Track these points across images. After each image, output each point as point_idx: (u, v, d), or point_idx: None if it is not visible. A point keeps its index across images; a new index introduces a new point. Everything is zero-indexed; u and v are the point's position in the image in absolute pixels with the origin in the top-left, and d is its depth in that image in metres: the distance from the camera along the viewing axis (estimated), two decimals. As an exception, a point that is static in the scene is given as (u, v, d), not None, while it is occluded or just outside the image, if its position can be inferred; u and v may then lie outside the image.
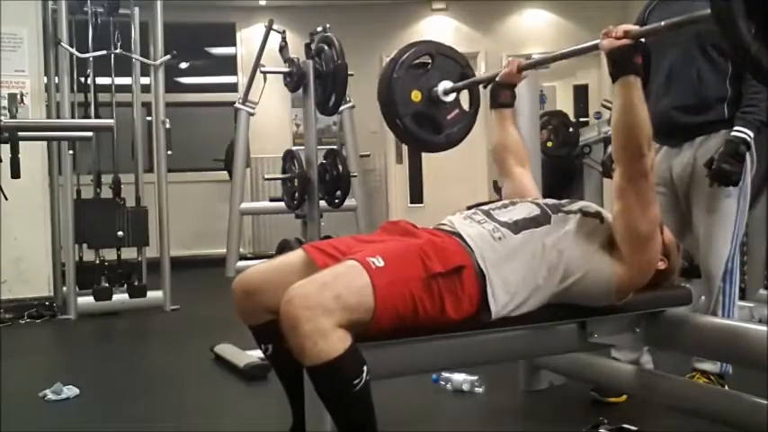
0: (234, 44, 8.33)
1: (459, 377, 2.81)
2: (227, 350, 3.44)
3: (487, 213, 1.91)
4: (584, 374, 2.61)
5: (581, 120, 7.59)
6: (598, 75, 8.36)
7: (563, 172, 5.79)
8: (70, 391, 2.95)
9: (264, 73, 3.69)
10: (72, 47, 4.96)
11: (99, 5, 5.14)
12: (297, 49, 3.51)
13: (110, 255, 5.05)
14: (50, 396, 2.90)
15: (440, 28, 8.52)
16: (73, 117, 4.98)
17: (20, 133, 3.51)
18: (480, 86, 2.52)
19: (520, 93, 2.78)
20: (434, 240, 1.76)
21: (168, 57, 5.21)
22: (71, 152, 4.98)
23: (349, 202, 3.89)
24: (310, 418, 1.76)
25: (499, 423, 2.55)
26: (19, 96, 4.82)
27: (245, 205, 4.96)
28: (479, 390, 2.78)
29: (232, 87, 8.11)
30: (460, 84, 2.47)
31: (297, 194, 3.35)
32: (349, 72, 3.22)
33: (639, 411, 2.50)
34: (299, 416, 1.88)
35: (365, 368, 1.55)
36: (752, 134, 2.39)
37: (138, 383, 3.29)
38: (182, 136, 6.08)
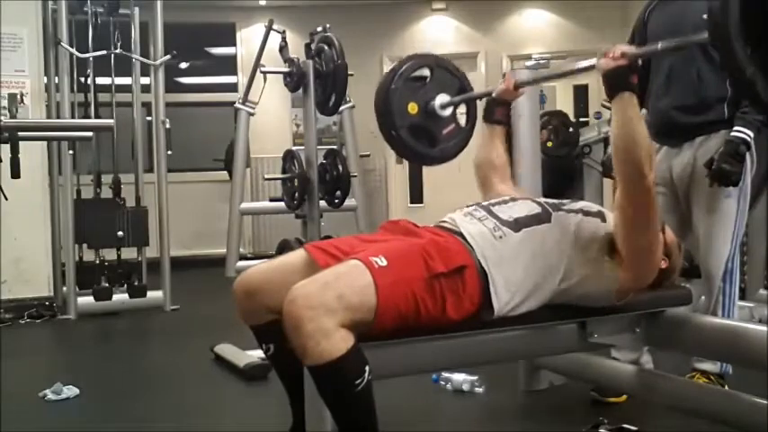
0: (234, 44, 8.34)
1: (459, 377, 2.81)
2: (227, 350, 3.44)
3: (488, 210, 1.91)
4: (585, 374, 2.61)
5: (581, 120, 7.59)
6: (598, 75, 8.35)
7: (563, 172, 5.80)
8: (70, 391, 2.95)
9: (264, 73, 3.69)
10: (72, 47, 4.96)
11: (99, 5, 5.14)
12: (297, 49, 3.51)
13: (110, 255, 5.05)
14: (50, 396, 2.90)
15: (440, 28, 8.53)
16: (73, 117, 4.98)
17: (20, 133, 3.51)
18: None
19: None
20: (437, 240, 1.76)
21: (168, 57, 5.21)
22: (71, 152, 4.98)
23: (349, 202, 3.89)
24: (310, 418, 1.76)
25: (499, 423, 2.55)
26: (19, 96, 4.82)
27: (245, 205, 4.96)
28: (479, 390, 2.78)
29: (232, 87, 8.11)
30: (457, 98, 2.47)
31: (297, 194, 3.35)
32: (349, 72, 3.22)
33: (639, 411, 2.50)
34: (300, 416, 1.88)
35: (367, 368, 1.55)
36: (752, 134, 2.39)
37: (138, 383, 3.29)
38: (182, 136, 6.08)
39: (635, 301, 1.98)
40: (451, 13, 8.49)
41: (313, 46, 3.34)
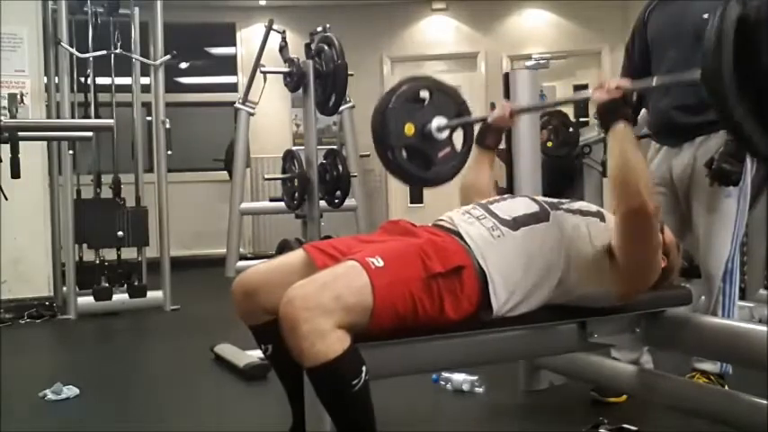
0: (234, 44, 8.34)
1: (459, 377, 2.81)
2: (227, 350, 3.44)
3: (486, 208, 1.91)
4: (585, 374, 2.61)
5: (581, 120, 7.58)
6: (598, 75, 8.37)
7: (563, 172, 5.79)
8: (70, 391, 2.95)
9: (264, 73, 3.69)
10: (72, 47, 4.96)
11: (99, 5, 5.14)
12: (297, 49, 3.51)
13: (110, 255, 5.05)
14: (50, 396, 2.90)
15: (440, 28, 8.53)
16: (73, 117, 4.99)
17: (20, 133, 3.51)
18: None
19: (520, 93, 2.80)
20: (434, 240, 1.76)
21: (168, 57, 5.21)
22: (71, 152, 4.98)
23: (349, 202, 3.90)
24: (310, 418, 1.76)
25: (499, 423, 2.55)
26: (19, 96, 4.82)
27: (245, 205, 4.96)
28: (479, 390, 2.78)
29: (232, 87, 8.11)
30: (454, 122, 2.47)
31: (297, 194, 3.35)
32: (349, 72, 3.22)
33: (639, 411, 2.50)
34: (299, 416, 1.88)
35: (364, 368, 1.55)
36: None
37: (138, 383, 3.29)
38: (182, 136, 6.08)
39: (635, 301, 1.98)
40: (451, 13, 8.49)
41: (313, 46, 3.34)
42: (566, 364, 2.63)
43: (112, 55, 5.13)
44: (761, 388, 2.09)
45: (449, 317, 1.69)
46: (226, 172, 6.13)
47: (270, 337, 1.81)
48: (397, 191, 8.47)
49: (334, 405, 1.58)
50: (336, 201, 3.42)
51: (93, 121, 4.97)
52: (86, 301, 4.85)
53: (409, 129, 2.45)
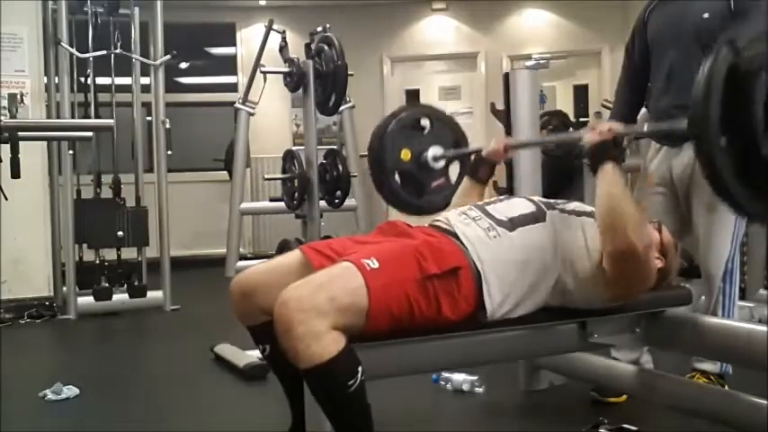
0: (234, 44, 8.33)
1: (459, 377, 2.81)
2: (227, 350, 3.44)
3: (482, 209, 1.91)
4: (585, 374, 2.61)
5: (581, 120, 7.58)
6: (598, 75, 8.37)
7: (563, 172, 5.78)
8: (70, 391, 2.95)
9: (264, 73, 3.69)
10: (72, 47, 4.96)
11: (99, 5, 5.14)
12: (297, 49, 3.51)
13: (110, 255, 5.05)
14: (50, 396, 2.90)
15: (440, 28, 8.53)
16: (73, 117, 4.98)
17: (20, 133, 3.51)
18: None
19: (520, 93, 2.80)
20: (430, 241, 1.77)
21: (168, 57, 5.21)
22: (71, 152, 4.98)
23: (349, 202, 3.90)
24: (310, 418, 1.76)
25: (499, 423, 2.55)
26: (19, 96, 4.82)
27: (245, 205, 4.97)
28: (479, 390, 2.78)
29: (232, 87, 8.10)
30: (449, 152, 2.48)
31: (297, 194, 3.35)
32: (349, 72, 3.22)
33: (639, 411, 2.50)
34: (299, 416, 1.88)
35: (360, 369, 1.55)
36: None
37: (138, 383, 3.29)
38: (182, 136, 6.08)
39: (635, 301, 1.98)
40: (451, 13, 8.49)
41: (313, 46, 3.34)
42: (566, 364, 2.63)
43: (112, 55, 5.12)
44: (761, 388, 2.09)
45: (447, 317, 1.69)
46: (226, 172, 6.13)
47: (267, 337, 1.81)
48: (397, 191, 8.47)
49: (331, 406, 1.58)
50: (336, 201, 3.42)
51: (93, 121, 4.97)
52: (86, 301, 4.85)
53: (405, 154, 2.47)
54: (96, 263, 5.00)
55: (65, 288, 4.96)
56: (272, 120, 7.70)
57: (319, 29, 3.38)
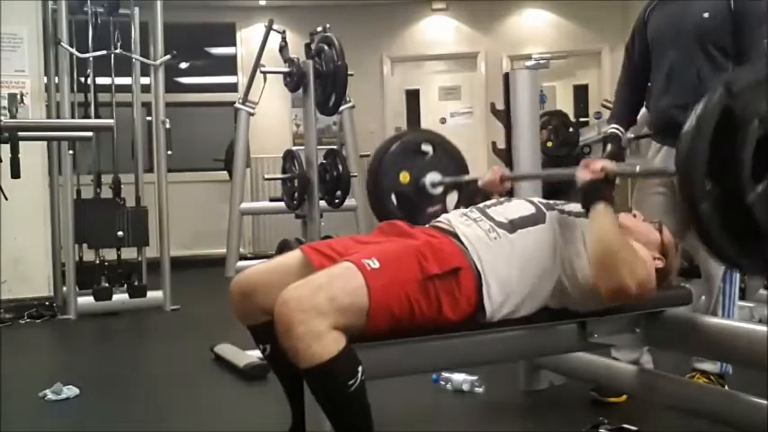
0: (234, 44, 8.34)
1: (459, 377, 2.81)
2: (227, 350, 3.44)
3: (483, 211, 1.91)
4: (585, 374, 2.61)
5: (581, 120, 7.59)
6: (598, 75, 8.37)
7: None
8: (70, 391, 2.95)
9: (264, 73, 3.69)
10: (72, 47, 4.96)
11: (99, 5, 5.14)
12: (297, 49, 3.51)
13: (110, 255, 5.05)
14: (50, 396, 2.90)
15: (440, 28, 8.53)
16: (73, 117, 4.98)
17: (20, 133, 3.51)
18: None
19: (520, 93, 2.80)
20: (431, 241, 1.77)
21: (168, 57, 5.21)
22: (71, 152, 4.97)
23: (349, 202, 3.89)
24: (310, 418, 1.76)
25: (499, 423, 2.55)
26: (19, 96, 4.82)
27: (245, 205, 4.96)
28: (479, 390, 2.77)
29: (232, 87, 8.11)
30: (447, 179, 2.49)
31: (297, 194, 3.35)
32: (349, 72, 3.22)
33: (639, 411, 2.50)
34: (299, 416, 1.88)
35: (360, 369, 1.55)
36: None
37: (138, 383, 3.29)
38: (182, 136, 6.08)
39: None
40: (451, 13, 8.49)
41: (313, 46, 3.34)
42: (566, 364, 2.63)
43: (112, 55, 5.13)
44: (761, 388, 2.09)
45: (448, 318, 1.69)
46: (226, 172, 6.13)
47: (268, 337, 1.81)
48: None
49: (331, 406, 1.58)
50: (336, 201, 3.42)
51: (93, 121, 4.97)
52: (86, 301, 4.85)
53: (404, 177, 2.48)
54: (96, 263, 5.00)
55: (65, 288, 4.96)
56: (272, 120, 7.71)
57: (319, 29, 3.38)
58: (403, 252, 1.70)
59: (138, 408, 2.88)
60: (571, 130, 5.87)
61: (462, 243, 1.79)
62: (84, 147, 5.12)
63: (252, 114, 4.75)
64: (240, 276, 1.89)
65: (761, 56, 2.41)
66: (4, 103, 4.63)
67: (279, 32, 3.67)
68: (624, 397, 2.59)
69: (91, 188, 5.13)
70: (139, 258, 5.11)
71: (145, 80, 5.31)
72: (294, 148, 3.58)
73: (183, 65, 8.36)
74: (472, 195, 2.29)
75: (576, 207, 1.98)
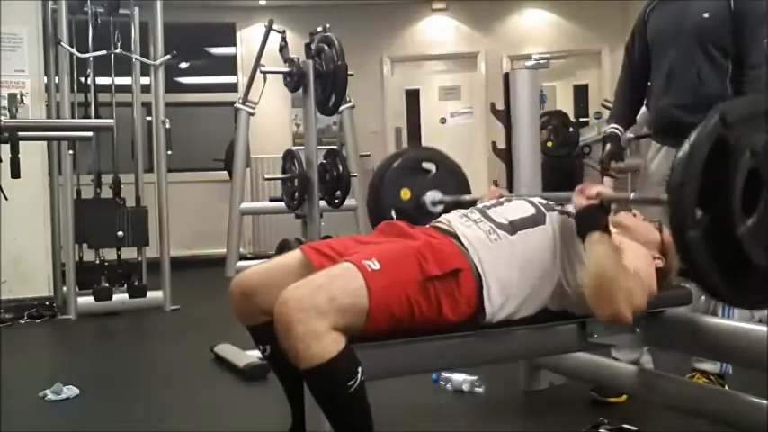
0: (234, 44, 8.33)
1: (459, 377, 2.81)
2: (227, 350, 3.44)
3: (483, 213, 1.91)
4: (585, 374, 2.61)
5: (581, 120, 7.59)
6: (598, 75, 8.37)
7: (563, 172, 5.79)
8: (70, 391, 2.95)
9: (264, 73, 3.68)
10: (72, 47, 4.96)
11: (99, 5, 5.14)
12: (297, 49, 3.50)
13: (110, 255, 5.05)
14: (50, 396, 2.90)
15: (440, 28, 8.53)
16: (73, 117, 4.98)
17: (20, 133, 3.51)
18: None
19: (520, 93, 2.80)
20: (431, 242, 1.76)
21: (168, 57, 5.21)
22: (71, 152, 4.97)
23: (349, 202, 3.89)
24: (310, 418, 1.76)
25: (499, 423, 2.55)
26: (19, 96, 4.82)
27: (245, 205, 4.96)
28: (479, 390, 2.77)
29: (232, 87, 8.10)
30: (447, 198, 2.49)
31: (297, 194, 3.35)
32: (349, 72, 3.22)
33: (639, 411, 2.50)
34: (299, 416, 1.88)
35: (360, 369, 1.55)
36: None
37: (138, 383, 3.29)
38: (182, 136, 6.08)
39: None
40: (451, 13, 8.49)
41: (313, 46, 3.34)
42: (566, 364, 2.63)
43: (112, 55, 5.12)
44: (761, 388, 2.09)
45: (448, 319, 1.69)
46: (226, 172, 6.13)
47: (268, 337, 1.81)
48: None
49: (330, 406, 1.58)
50: (336, 201, 3.42)
51: (93, 121, 4.97)
52: (86, 301, 4.85)
53: (405, 193, 2.49)
54: (96, 263, 5.00)
55: (65, 288, 4.96)
56: (272, 120, 7.70)
57: (319, 29, 3.37)
58: (403, 253, 1.70)
59: (138, 408, 2.88)
60: (571, 130, 5.88)
61: (462, 244, 1.79)
62: (84, 147, 5.12)
63: (252, 114, 4.75)
64: (240, 276, 1.89)
65: (761, 56, 2.41)
66: (4, 103, 4.63)
67: (279, 32, 3.67)
68: (624, 397, 2.60)
69: (91, 188, 5.13)
70: (139, 258, 5.11)
71: (145, 80, 5.30)
72: (294, 148, 3.58)
73: (183, 65, 8.36)
74: None
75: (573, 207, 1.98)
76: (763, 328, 1.94)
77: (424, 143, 7.82)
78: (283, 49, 3.51)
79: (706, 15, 2.44)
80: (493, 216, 1.89)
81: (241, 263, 4.38)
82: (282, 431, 1.96)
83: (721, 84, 2.46)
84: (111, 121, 4.57)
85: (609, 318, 1.77)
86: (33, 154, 4.73)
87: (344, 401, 1.56)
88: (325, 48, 3.24)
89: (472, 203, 2.28)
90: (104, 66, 5.13)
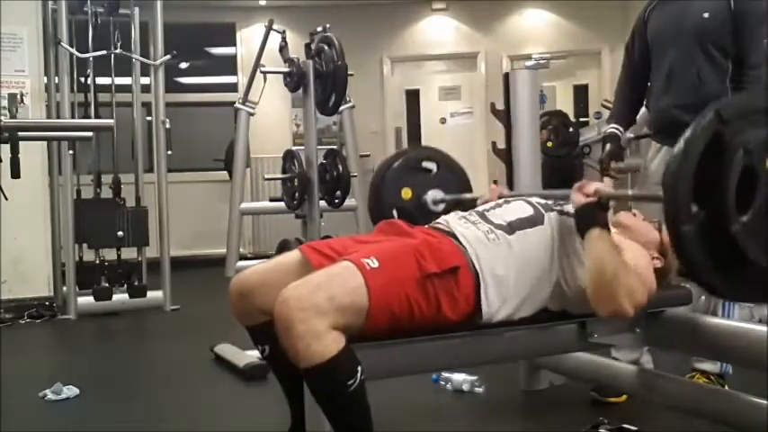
0: (234, 44, 8.34)
1: (459, 377, 2.81)
2: (227, 350, 3.44)
3: (482, 215, 1.91)
4: (585, 374, 2.60)
5: (581, 120, 7.59)
6: (598, 75, 8.37)
7: (563, 172, 5.79)
8: (70, 391, 2.95)
9: (264, 73, 3.69)
10: (72, 47, 4.96)
11: (99, 5, 5.14)
12: (297, 49, 3.51)
13: (110, 255, 5.05)
14: (50, 396, 2.90)
15: (440, 28, 8.53)
16: (73, 117, 4.98)
17: (20, 133, 3.51)
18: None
19: (520, 93, 2.80)
20: (430, 240, 1.77)
21: (168, 57, 5.21)
22: (71, 152, 4.97)
23: (349, 202, 3.89)
24: (310, 418, 1.76)
25: (499, 423, 2.55)
26: (19, 96, 4.82)
27: (245, 205, 4.96)
28: (479, 390, 2.77)
29: (232, 87, 8.10)
30: (448, 197, 2.50)
31: (297, 194, 3.35)
32: (349, 72, 3.22)
33: (639, 411, 2.50)
34: (298, 416, 1.88)
35: (359, 369, 1.55)
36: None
37: (138, 383, 3.29)
38: (182, 136, 6.08)
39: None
40: (451, 13, 8.49)
41: (313, 46, 3.34)
42: (566, 364, 2.63)
43: (112, 55, 5.12)
44: (761, 388, 2.09)
45: (447, 317, 1.69)
46: (226, 172, 6.13)
47: (267, 337, 1.82)
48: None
49: (330, 405, 1.58)
50: (336, 201, 3.42)
51: (93, 121, 4.97)
52: (86, 301, 4.85)
53: (406, 193, 2.50)
54: (96, 263, 5.00)
55: (65, 288, 4.96)
56: (272, 120, 7.70)
57: (319, 29, 3.37)
58: (401, 251, 1.70)
59: (138, 408, 2.88)
60: (571, 130, 5.87)
61: (461, 243, 1.79)
62: (84, 147, 5.12)
63: (252, 114, 4.75)
64: (239, 276, 1.89)
65: (761, 56, 2.41)
66: (4, 103, 4.63)
67: (279, 32, 3.67)
68: (624, 397, 2.59)
69: (91, 188, 5.13)
70: (139, 258, 5.11)
71: (145, 80, 5.30)
72: (294, 148, 3.58)
73: (183, 65, 8.36)
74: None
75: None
76: (763, 328, 1.94)
77: (424, 143, 7.82)
78: (283, 49, 3.51)
79: (706, 15, 2.44)
80: (491, 218, 1.89)
81: (241, 263, 4.38)
82: (282, 431, 1.96)
83: (721, 84, 2.46)
84: (111, 121, 4.57)
85: (610, 314, 1.77)
86: (33, 154, 4.73)
87: (344, 401, 1.56)
88: (325, 48, 3.24)
89: (473, 202, 2.29)
90: (104, 66, 5.13)
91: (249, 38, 8.10)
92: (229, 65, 8.35)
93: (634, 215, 2.13)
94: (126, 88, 5.29)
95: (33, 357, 3.95)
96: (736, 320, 2.49)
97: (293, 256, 1.85)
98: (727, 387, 2.51)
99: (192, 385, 3.19)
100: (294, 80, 3.31)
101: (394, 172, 2.50)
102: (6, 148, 3.38)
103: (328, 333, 1.52)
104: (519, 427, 2.53)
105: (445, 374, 2.84)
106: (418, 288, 1.65)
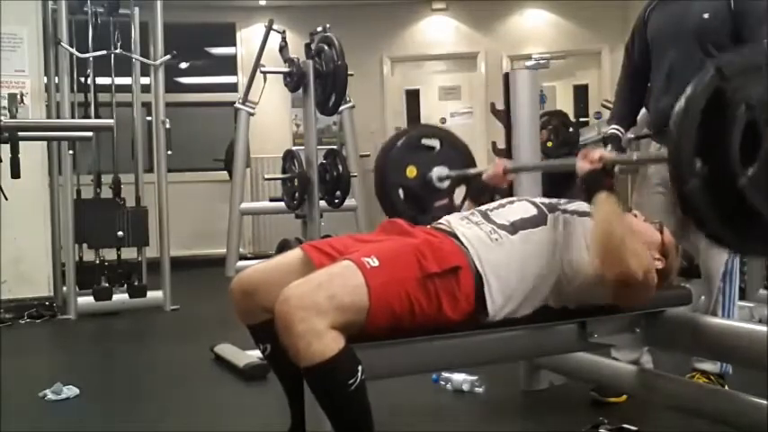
0: (234, 44, 8.34)
1: (459, 377, 2.81)
2: (227, 350, 3.44)
3: (485, 215, 1.92)
4: (585, 374, 2.61)
5: (581, 120, 7.59)
6: (598, 75, 8.37)
7: (563, 172, 5.79)
8: (70, 391, 2.95)
9: (264, 73, 3.69)
10: (72, 47, 4.96)
11: (99, 5, 5.14)
12: (297, 49, 3.51)
13: (110, 255, 5.05)
14: (50, 396, 2.90)
15: (440, 28, 8.53)
16: (73, 117, 4.98)
17: (20, 133, 3.51)
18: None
19: (520, 93, 2.80)
20: (431, 240, 1.77)
21: (168, 57, 5.21)
22: (71, 152, 4.98)
23: (349, 202, 3.90)
24: (310, 417, 1.76)
25: (499, 423, 2.55)
26: (19, 96, 4.82)
27: (245, 205, 4.97)
28: (479, 390, 2.78)
29: (232, 87, 8.11)
30: (453, 173, 2.50)
31: (297, 194, 3.35)
32: (349, 72, 3.22)
33: (639, 411, 2.50)
34: (298, 416, 1.88)
35: (360, 368, 1.55)
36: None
37: (138, 383, 3.29)
38: (182, 136, 6.08)
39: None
40: (451, 13, 8.49)
41: (313, 46, 3.34)
42: (566, 364, 2.63)
43: (112, 55, 5.12)
44: (761, 388, 2.09)
45: (448, 316, 1.69)
46: (226, 172, 6.13)
47: (268, 336, 1.82)
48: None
49: (331, 405, 1.58)
50: (336, 201, 3.42)
51: (93, 121, 4.97)
52: (86, 301, 4.85)
53: (411, 171, 2.50)
54: (96, 263, 5.00)
55: (65, 288, 4.96)
56: (272, 120, 7.71)
57: (319, 29, 3.38)
58: (402, 250, 1.70)
59: (138, 408, 2.88)
60: (571, 130, 5.86)
61: (462, 243, 1.79)
62: (84, 147, 5.12)
63: (252, 114, 4.75)
64: (241, 275, 1.89)
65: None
66: (4, 103, 4.63)
67: (279, 32, 3.67)
68: (624, 397, 2.59)
69: (91, 188, 5.13)
70: (139, 258, 5.11)
71: (145, 80, 5.31)
72: (294, 148, 3.58)
73: (183, 65, 8.36)
74: (480, 189, 2.30)
75: (578, 207, 1.98)
76: (763, 328, 1.94)
77: (423, 143, 7.82)
78: (283, 49, 3.52)
79: (706, 16, 2.44)
80: (494, 218, 1.89)
81: (241, 263, 4.39)
82: (282, 431, 1.96)
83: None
84: (111, 121, 4.56)
85: (619, 276, 1.78)
86: (33, 154, 4.73)
87: (345, 400, 1.56)
88: (325, 48, 3.24)
89: (478, 176, 2.30)
90: (104, 66, 5.13)
91: (249, 38, 8.10)
92: (229, 65, 8.35)
93: (635, 216, 2.13)
94: (126, 88, 5.29)
95: (33, 357, 3.95)
96: (736, 320, 2.49)
97: (295, 254, 1.85)
98: (727, 387, 2.51)
99: (192, 385, 3.19)
100: (294, 80, 3.31)
101: (397, 151, 2.50)
102: (6, 148, 3.38)
103: (329, 332, 1.52)
104: (519, 427, 2.53)
105: (445, 374, 2.84)
106: (419, 287, 1.65)
